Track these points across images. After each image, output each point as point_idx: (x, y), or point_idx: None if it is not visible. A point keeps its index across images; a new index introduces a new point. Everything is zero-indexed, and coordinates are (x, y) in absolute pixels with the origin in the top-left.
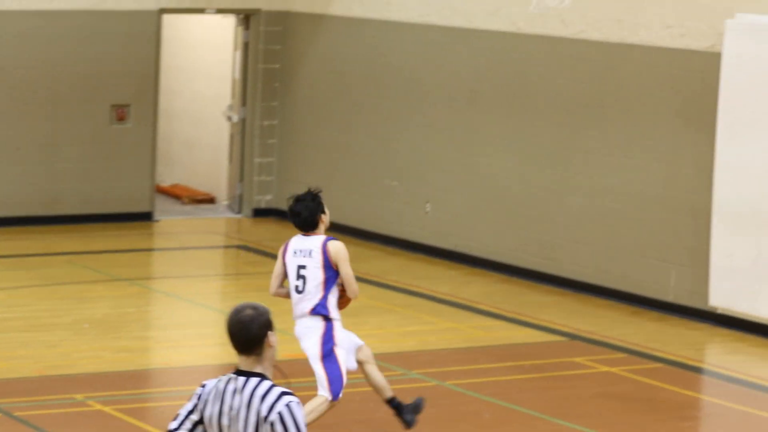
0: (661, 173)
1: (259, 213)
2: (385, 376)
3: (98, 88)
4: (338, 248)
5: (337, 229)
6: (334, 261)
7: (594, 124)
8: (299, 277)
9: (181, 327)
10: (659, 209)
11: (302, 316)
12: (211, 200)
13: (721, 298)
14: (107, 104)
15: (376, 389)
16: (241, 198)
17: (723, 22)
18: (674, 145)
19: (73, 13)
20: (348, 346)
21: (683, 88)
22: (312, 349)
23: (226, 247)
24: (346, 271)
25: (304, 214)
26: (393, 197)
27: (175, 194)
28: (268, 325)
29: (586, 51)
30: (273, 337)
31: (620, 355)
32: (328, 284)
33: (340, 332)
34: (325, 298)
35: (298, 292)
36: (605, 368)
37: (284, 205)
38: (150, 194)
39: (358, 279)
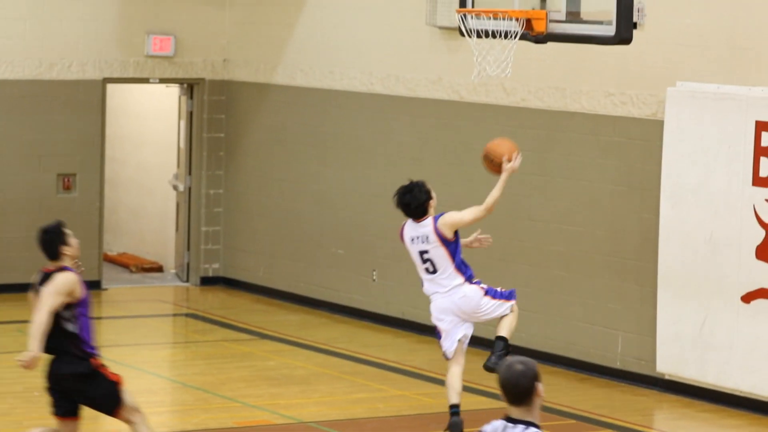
0: (606, 240)
1: (207, 281)
2: None
3: (44, 157)
4: (444, 218)
5: (284, 297)
6: (447, 230)
7: (538, 191)
8: (425, 261)
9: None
10: (605, 276)
11: (448, 290)
12: (159, 269)
13: (668, 364)
14: (53, 173)
15: None
16: (188, 266)
17: (664, 89)
18: (618, 211)
19: (17, 82)
20: None
21: (626, 155)
22: (481, 302)
23: (175, 315)
24: (461, 216)
25: (413, 204)
26: (340, 265)
27: (122, 263)
28: (536, 377)
29: (528, 119)
30: (540, 387)
31: (569, 421)
32: (454, 256)
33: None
34: (460, 265)
35: (430, 272)
36: None
37: (231, 274)
38: (98, 263)
39: (306, 347)
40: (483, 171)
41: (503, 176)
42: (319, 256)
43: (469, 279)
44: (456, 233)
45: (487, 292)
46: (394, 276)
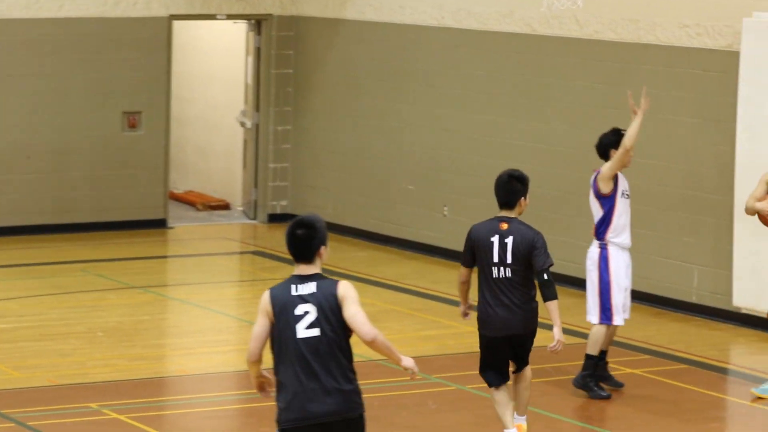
0: (681, 173)
1: (275, 218)
2: (405, 381)
3: (109, 96)
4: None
5: (353, 233)
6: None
7: (612, 125)
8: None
9: (196, 334)
10: (681, 209)
11: None
12: (225, 206)
13: (744, 298)
14: (119, 111)
15: None
16: (255, 204)
17: (741, 20)
18: (694, 144)
19: (83, 20)
20: None
21: (701, 88)
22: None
23: (242, 253)
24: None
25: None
26: (410, 201)
27: (189, 201)
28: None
29: (602, 51)
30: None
31: (644, 356)
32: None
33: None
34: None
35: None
36: (629, 370)
37: (299, 210)
38: (163, 201)
39: (375, 283)
40: (556, 105)
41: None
42: (388, 192)
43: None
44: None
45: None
46: (465, 211)
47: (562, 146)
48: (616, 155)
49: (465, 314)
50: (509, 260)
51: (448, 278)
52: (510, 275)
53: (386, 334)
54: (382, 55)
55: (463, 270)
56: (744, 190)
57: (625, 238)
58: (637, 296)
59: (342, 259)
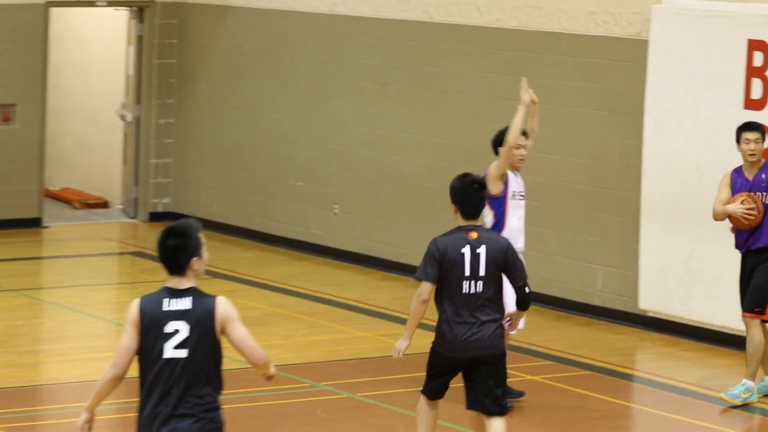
0: (585, 168)
1: (156, 217)
2: (291, 389)
3: None
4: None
5: (238, 232)
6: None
7: (512, 117)
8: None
9: (72, 340)
10: (585, 207)
11: None
12: (104, 204)
13: (651, 300)
14: None
15: None
16: (136, 201)
17: (650, 7)
18: (599, 138)
19: None
20: None
21: (608, 78)
22: None
23: (121, 254)
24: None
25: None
26: (299, 198)
27: (65, 198)
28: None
29: (503, 40)
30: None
31: (545, 362)
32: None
33: None
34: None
35: None
36: (528, 376)
37: (182, 208)
38: (38, 199)
39: (262, 285)
40: (455, 97)
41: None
42: (276, 189)
43: None
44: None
45: None
46: (357, 209)
47: (462, 140)
48: (502, 153)
49: (399, 351)
50: (482, 273)
51: (338, 280)
52: (481, 289)
53: (273, 340)
54: (270, 44)
55: (427, 286)
56: (651, 186)
57: (521, 244)
58: (539, 299)
59: (227, 259)
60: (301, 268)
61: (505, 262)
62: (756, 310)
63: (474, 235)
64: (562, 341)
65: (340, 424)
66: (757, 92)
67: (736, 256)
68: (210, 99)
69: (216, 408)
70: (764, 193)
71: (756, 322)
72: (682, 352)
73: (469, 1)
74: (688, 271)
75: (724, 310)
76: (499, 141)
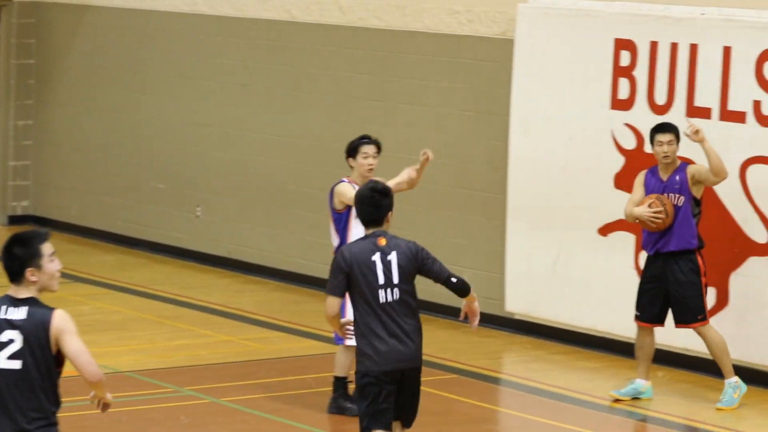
0: (450, 170)
1: (15, 220)
2: (155, 395)
3: None
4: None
5: (99, 236)
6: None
7: (378, 117)
8: None
9: None
10: (450, 208)
11: None
12: None
13: (518, 303)
14: None
15: None
16: None
17: (515, 6)
18: (465, 139)
19: None
20: None
21: (473, 78)
22: None
23: None
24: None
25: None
26: (160, 201)
27: None
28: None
29: (366, 40)
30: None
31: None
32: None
33: None
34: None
35: None
36: None
37: (42, 211)
38: None
39: (123, 289)
40: (317, 97)
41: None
42: (137, 192)
43: None
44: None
45: None
46: (220, 212)
47: (325, 141)
48: (354, 168)
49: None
50: (396, 280)
51: (200, 283)
52: (399, 297)
53: (135, 344)
54: (130, 44)
55: (334, 301)
56: (518, 187)
57: None
58: None
59: (87, 263)
60: (163, 271)
61: (420, 265)
62: (699, 317)
63: (383, 241)
64: (428, 345)
65: (204, 429)
66: (624, 92)
67: (604, 259)
68: (69, 100)
69: (52, 424)
70: (677, 195)
71: (709, 327)
72: (549, 355)
73: (331, 1)
74: (555, 273)
75: (591, 313)
76: (349, 150)
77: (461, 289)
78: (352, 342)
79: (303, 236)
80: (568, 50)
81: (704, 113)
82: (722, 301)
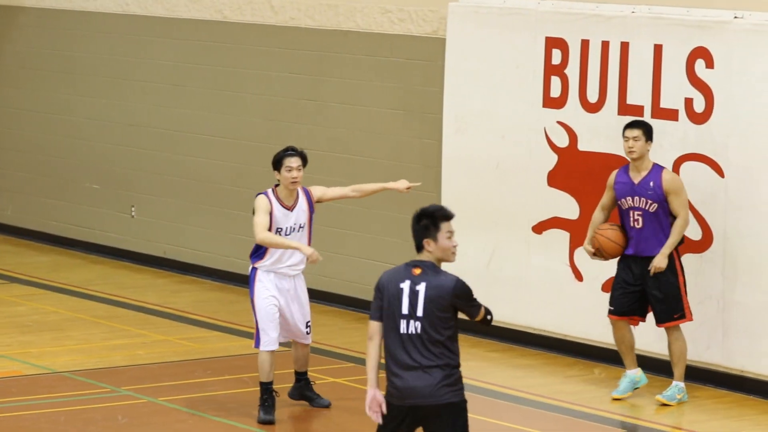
0: (384, 169)
1: None
2: (92, 395)
3: None
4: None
5: (34, 236)
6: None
7: (311, 117)
8: None
9: None
10: (383, 207)
11: None
12: None
13: None
14: None
15: None
16: None
17: (446, 5)
18: (397, 138)
19: None
20: None
21: (405, 77)
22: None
23: None
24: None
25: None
26: (95, 201)
27: None
28: None
29: (298, 39)
30: None
31: (347, 364)
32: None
33: None
34: None
35: None
36: (331, 379)
37: None
38: None
39: (59, 290)
40: (251, 97)
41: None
42: (72, 192)
43: None
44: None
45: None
46: (155, 212)
47: (260, 141)
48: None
49: (376, 405)
50: (420, 312)
51: (136, 283)
52: (420, 330)
53: (71, 345)
54: (63, 45)
55: (371, 324)
56: (451, 186)
57: (277, 263)
58: (339, 300)
59: (22, 264)
60: (99, 271)
61: (452, 303)
62: (675, 317)
63: (417, 271)
64: (363, 343)
65: (142, 429)
66: (555, 90)
67: (538, 257)
68: (2, 101)
69: None
70: (647, 200)
71: (677, 328)
72: (485, 353)
73: (263, 0)
74: (489, 271)
75: (526, 310)
76: (274, 163)
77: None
78: (264, 345)
79: (239, 236)
80: (499, 49)
81: (637, 111)
82: None
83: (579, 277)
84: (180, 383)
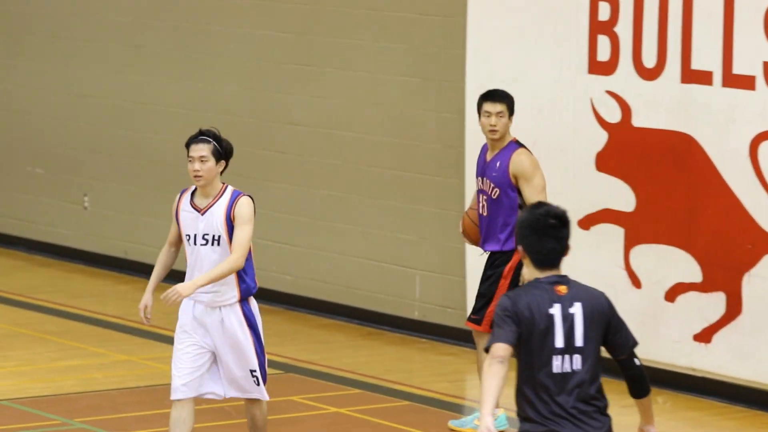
0: (394, 149)
1: None
2: (38, 428)
3: None
4: None
5: None
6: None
7: (302, 86)
8: None
9: None
10: (395, 196)
11: None
12: None
13: None
14: None
15: None
16: None
17: None
18: (410, 111)
19: None
20: None
21: (419, 37)
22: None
23: None
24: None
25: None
26: (39, 189)
27: None
28: None
29: None
30: None
31: (352, 390)
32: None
33: None
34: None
35: None
36: (333, 409)
37: None
38: None
39: None
40: (226, 60)
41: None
42: (10, 179)
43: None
44: None
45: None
46: (110, 202)
47: (236, 115)
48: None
49: None
50: (579, 343)
51: (93, 291)
52: (579, 367)
53: (12, 366)
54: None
55: (500, 347)
56: (474, 168)
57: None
58: (342, 312)
59: None
60: (46, 276)
61: (608, 324)
62: (472, 317)
63: (562, 289)
64: (373, 364)
65: None
66: (604, 53)
67: (586, 256)
68: None
69: None
70: (490, 183)
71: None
72: None
73: None
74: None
75: None
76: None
77: (642, 380)
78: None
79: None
80: (533, 2)
81: (704, 78)
82: (734, 309)
83: (636, 282)
84: (145, 414)
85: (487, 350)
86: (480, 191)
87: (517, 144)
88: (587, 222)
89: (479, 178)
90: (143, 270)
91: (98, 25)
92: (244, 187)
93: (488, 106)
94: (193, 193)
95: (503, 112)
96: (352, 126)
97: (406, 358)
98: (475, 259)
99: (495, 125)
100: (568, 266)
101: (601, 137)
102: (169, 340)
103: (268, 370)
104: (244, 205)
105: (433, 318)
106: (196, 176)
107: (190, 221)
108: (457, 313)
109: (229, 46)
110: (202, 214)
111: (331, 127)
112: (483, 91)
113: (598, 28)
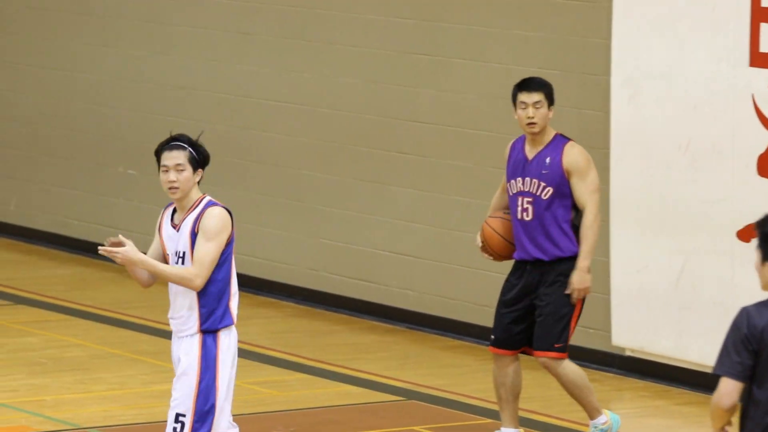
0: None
1: None
2: None
3: None
4: None
5: (47, 240)
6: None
7: (426, 78)
8: None
9: None
10: None
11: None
12: None
13: (629, 334)
14: None
15: None
16: None
17: None
18: None
19: None
20: None
21: (557, 25)
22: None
23: None
24: None
25: None
26: (131, 192)
27: None
28: None
29: None
30: None
31: (482, 420)
32: None
33: None
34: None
35: None
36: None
37: None
38: None
39: (82, 314)
40: (342, 49)
41: None
42: (97, 180)
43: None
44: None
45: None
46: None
47: (354, 110)
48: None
49: None
50: None
51: None
52: None
53: (101, 390)
54: None
55: (729, 386)
56: (623, 174)
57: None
58: (473, 332)
59: (34, 279)
60: (139, 290)
61: None
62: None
63: None
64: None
65: None
66: (767, 43)
67: (744, 274)
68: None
69: None
70: (539, 182)
71: (567, 363)
72: (675, 407)
73: None
74: (678, 293)
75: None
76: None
77: None
78: None
79: (326, 240)
80: None
81: None
82: None
83: None
84: None
85: None
86: (519, 194)
87: (565, 137)
88: (749, 233)
89: (518, 179)
90: (249, 284)
91: (200, 9)
92: (361, 191)
93: (524, 96)
94: (175, 209)
95: (541, 101)
96: (484, 124)
97: (544, 385)
98: (623, 276)
99: (533, 117)
100: (727, 283)
101: (764, 138)
102: (276, 361)
103: (387, 397)
104: (211, 217)
105: (574, 340)
106: (171, 188)
107: (169, 240)
108: (600, 335)
109: (345, 33)
110: (178, 231)
111: (460, 125)
112: (630, 85)
113: (761, 15)
